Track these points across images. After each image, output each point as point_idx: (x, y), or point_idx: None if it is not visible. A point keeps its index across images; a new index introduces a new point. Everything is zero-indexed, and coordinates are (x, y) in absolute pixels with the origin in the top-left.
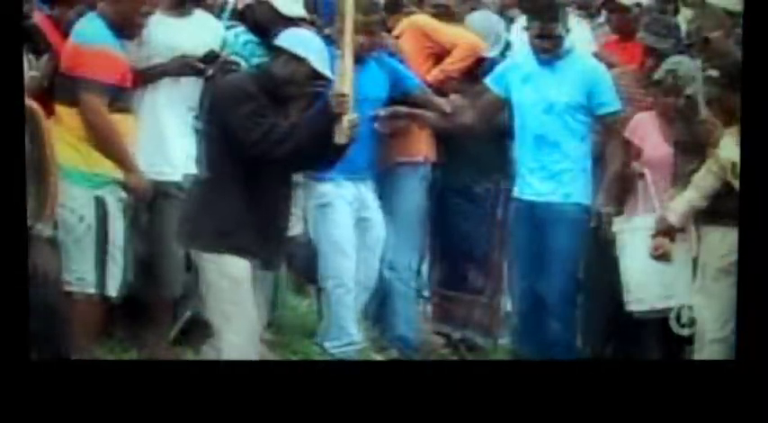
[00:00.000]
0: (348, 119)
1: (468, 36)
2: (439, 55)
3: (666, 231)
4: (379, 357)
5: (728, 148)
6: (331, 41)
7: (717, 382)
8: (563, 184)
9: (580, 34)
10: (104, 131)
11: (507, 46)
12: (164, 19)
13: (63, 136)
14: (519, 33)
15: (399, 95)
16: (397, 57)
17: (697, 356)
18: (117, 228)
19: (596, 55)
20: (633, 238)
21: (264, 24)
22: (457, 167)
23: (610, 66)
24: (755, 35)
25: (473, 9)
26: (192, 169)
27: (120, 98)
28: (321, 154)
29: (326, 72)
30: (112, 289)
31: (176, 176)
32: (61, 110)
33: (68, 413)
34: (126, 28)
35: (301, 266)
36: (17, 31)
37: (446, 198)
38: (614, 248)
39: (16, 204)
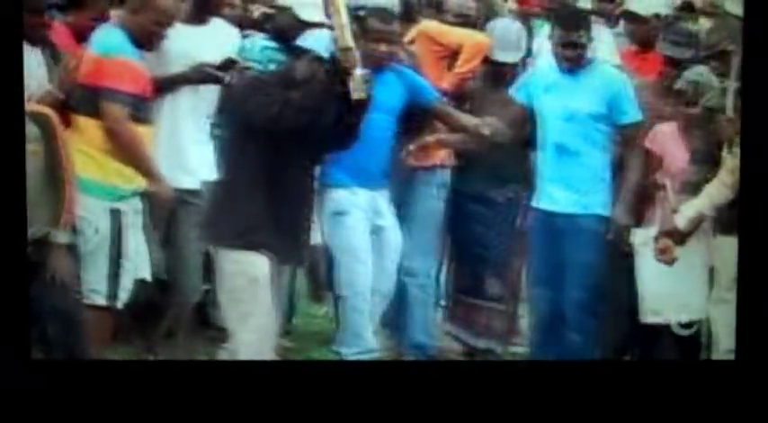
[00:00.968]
0: (359, 73)
1: (473, 35)
2: (449, 58)
3: (670, 232)
4: None
5: None
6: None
7: (717, 382)
8: (582, 195)
9: (604, 44)
10: (129, 141)
11: (528, 53)
12: (182, 28)
13: (81, 147)
14: (542, 42)
15: (418, 108)
16: (414, 66)
17: None
18: (132, 241)
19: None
20: (650, 250)
21: (285, 30)
22: (476, 174)
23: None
24: (756, 35)
25: (494, 17)
26: (211, 176)
27: (139, 108)
28: (338, 128)
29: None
30: (123, 302)
31: (195, 184)
32: (81, 120)
33: (69, 413)
34: (146, 40)
35: (317, 274)
36: (17, 31)
37: (464, 205)
38: (632, 260)
39: (16, 205)
